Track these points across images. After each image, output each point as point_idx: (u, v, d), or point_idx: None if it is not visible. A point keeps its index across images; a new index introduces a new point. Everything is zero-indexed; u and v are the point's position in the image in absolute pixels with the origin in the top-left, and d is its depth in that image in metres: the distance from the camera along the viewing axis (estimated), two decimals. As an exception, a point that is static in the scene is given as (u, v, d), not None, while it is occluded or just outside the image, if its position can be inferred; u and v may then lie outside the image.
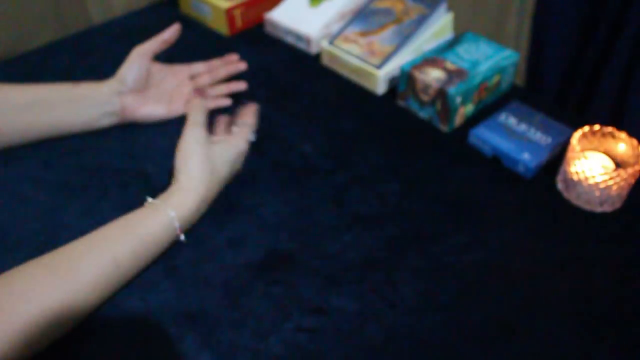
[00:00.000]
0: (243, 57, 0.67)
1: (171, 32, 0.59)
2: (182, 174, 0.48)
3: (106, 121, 0.59)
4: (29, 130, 0.56)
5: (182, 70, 0.63)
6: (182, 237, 0.47)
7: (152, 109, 0.60)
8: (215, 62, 0.65)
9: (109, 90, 0.57)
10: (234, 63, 0.65)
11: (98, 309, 0.43)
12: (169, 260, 0.48)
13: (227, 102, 0.64)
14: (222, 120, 0.59)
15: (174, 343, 0.42)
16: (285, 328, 0.43)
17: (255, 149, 0.60)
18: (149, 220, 0.45)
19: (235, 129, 0.55)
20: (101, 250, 0.42)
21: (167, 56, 0.65)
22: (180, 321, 0.43)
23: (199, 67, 0.64)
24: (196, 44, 0.76)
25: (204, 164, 0.48)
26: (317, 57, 0.74)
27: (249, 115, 0.57)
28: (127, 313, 0.44)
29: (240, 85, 0.65)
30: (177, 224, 0.46)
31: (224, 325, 0.43)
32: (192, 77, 0.64)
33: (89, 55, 0.74)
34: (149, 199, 0.47)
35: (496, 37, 0.86)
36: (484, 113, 0.63)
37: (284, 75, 0.71)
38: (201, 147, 0.49)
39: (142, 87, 0.59)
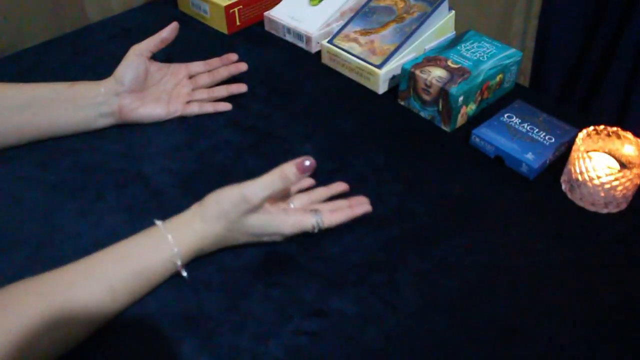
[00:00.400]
0: (242, 56, 0.66)
1: (169, 31, 0.59)
2: (207, 211, 0.44)
3: (103, 121, 0.58)
4: (25, 130, 0.55)
5: (181, 70, 0.63)
6: (185, 273, 0.45)
7: (150, 109, 0.59)
8: (215, 61, 0.64)
9: (107, 90, 0.56)
10: (233, 63, 0.64)
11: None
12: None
13: (227, 107, 0.63)
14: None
15: (173, 346, 0.42)
16: (285, 331, 0.43)
17: (255, 149, 0.59)
18: (151, 255, 0.43)
19: (315, 206, 0.49)
20: (98, 280, 0.41)
21: (166, 55, 0.64)
22: (179, 324, 0.43)
23: (197, 66, 0.64)
24: (195, 43, 0.75)
25: (230, 219, 0.44)
26: (317, 56, 0.73)
27: (326, 213, 0.48)
28: (126, 316, 0.43)
29: (241, 88, 0.64)
30: (179, 262, 0.44)
31: (223, 328, 0.43)
32: (191, 77, 0.63)
33: (86, 54, 0.73)
34: (158, 222, 0.44)
35: (501, 36, 0.85)
36: (486, 112, 0.63)
37: (283, 74, 0.70)
38: (246, 203, 0.43)
39: (140, 87, 0.58)
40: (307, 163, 0.44)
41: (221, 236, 0.45)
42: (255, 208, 0.44)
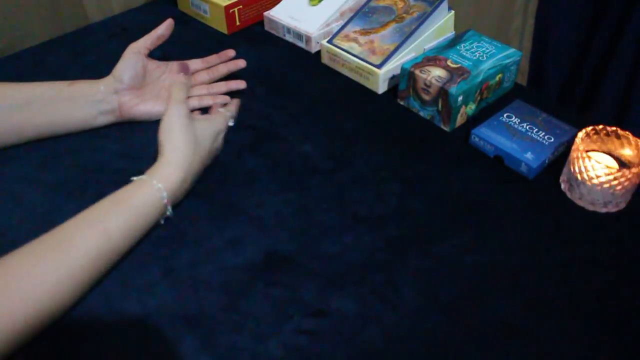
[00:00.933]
0: (242, 56, 0.66)
1: (165, 27, 0.59)
2: (166, 148, 0.49)
3: (103, 120, 0.58)
4: (25, 129, 0.55)
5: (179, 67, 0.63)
6: (170, 210, 0.48)
7: (150, 106, 0.59)
8: (212, 58, 0.65)
9: (106, 88, 0.57)
10: (232, 60, 0.64)
11: (95, 311, 0.43)
12: (167, 262, 0.47)
13: (225, 99, 0.63)
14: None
15: (173, 346, 0.42)
16: (285, 330, 0.43)
17: (255, 149, 0.59)
18: (137, 193, 0.46)
19: (218, 110, 0.58)
20: (91, 224, 0.43)
21: (165, 55, 0.65)
22: (179, 323, 0.43)
23: (195, 63, 0.64)
24: (194, 42, 0.75)
25: (187, 138, 0.49)
26: (316, 55, 0.73)
27: (232, 104, 0.60)
28: (125, 315, 0.43)
29: (240, 84, 0.64)
30: (164, 194, 0.47)
31: (223, 327, 0.43)
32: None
33: (86, 53, 0.73)
34: (134, 177, 0.48)
35: (500, 35, 0.85)
36: (486, 112, 0.63)
37: (283, 74, 0.70)
38: (183, 122, 0.50)
39: (139, 84, 0.59)
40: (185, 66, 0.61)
41: (191, 154, 0.49)
42: (188, 114, 0.51)
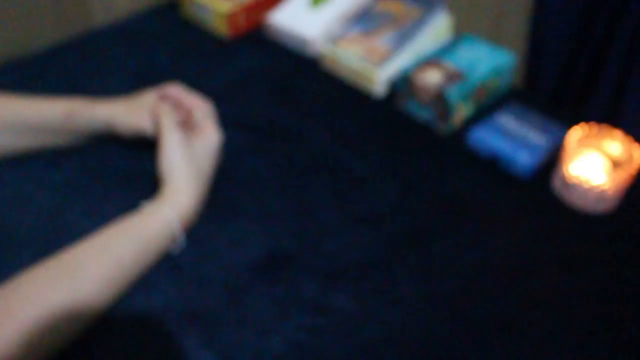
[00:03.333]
0: (244, 60, 0.67)
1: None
2: (171, 179, 0.48)
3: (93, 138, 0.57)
4: (20, 148, 0.55)
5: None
6: (183, 237, 0.48)
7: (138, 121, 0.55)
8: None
9: (105, 118, 0.54)
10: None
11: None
12: (171, 260, 0.48)
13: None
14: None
15: (176, 342, 0.42)
16: (286, 327, 0.44)
17: (257, 151, 0.60)
18: (150, 221, 0.46)
19: (201, 123, 0.52)
20: (105, 252, 0.43)
21: (169, 60, 0.65)
22: (183, 320, 0.44)
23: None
24: (197, 48, 0.76)
25: (190, 167, 0.49)
26: (317, 59, 0.74)
27: (199, 106, 0.53)
28: (130, 312, 0.44)
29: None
30: (177, 225, 0.47)
31: (225, 324, 0.44)
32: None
33: (91, 58, 0.74)
34: (145, 203, 0.47)
35: (494, 37, 0.86)
36: (482, 114, 0.64)
37: (284, 77, 0.71)
38: (183, 150, 0.49)
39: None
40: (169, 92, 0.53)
41: (197, 181, 0.49)
42: (183, 140, 0.50)
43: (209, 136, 0.52)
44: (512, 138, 0.58)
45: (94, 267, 0.42)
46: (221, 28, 0.78)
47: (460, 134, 0.61)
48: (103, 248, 0.43)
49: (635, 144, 0.52)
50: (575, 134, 0.53)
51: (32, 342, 0.37)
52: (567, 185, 0.53)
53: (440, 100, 0.60)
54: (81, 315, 0.41)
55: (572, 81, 0.85)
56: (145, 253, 0.45)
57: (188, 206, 0.48)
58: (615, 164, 0.53)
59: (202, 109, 0.53)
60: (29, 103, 0.54)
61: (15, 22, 0.74)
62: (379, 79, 0.66)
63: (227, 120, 0.64)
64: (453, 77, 0.62)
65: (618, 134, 0.53)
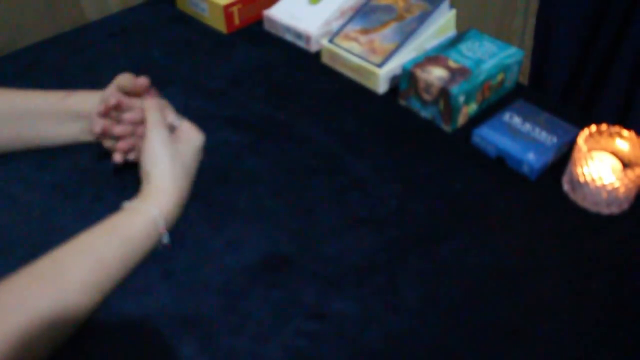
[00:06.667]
0: (241, 55, 0.66)
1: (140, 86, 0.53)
2: (154, 176, 0.47)
3: (89, 137, 0.55)
4: (12, 142, 0.54)
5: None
6: (166, 237, 0.47)
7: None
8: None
9: (93, 105, 0.53)
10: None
11: (94, 314, 0.43)
12: (165, 264, 0.47)
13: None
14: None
15: (172, 348, 0.41)
16: (284, 332, 0.43)
17: (254, 150, 0.59)
18: (133, 221, 0.45)
19: (178, 123, 0.52)
20: (88, 254, 0.42)
21: (164, 54, 0.64)
22: (178, 326, 0.43)
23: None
24: (193, 42, 0.75)
25: (173, 163, 0.48)
26: (317, 55, 0.73)
27: (165, 108, 0.52)
28: (124, 318, 0.43)
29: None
30: (161, 223, 0.46)
31: (222, 329, 0.43)
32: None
33: (84, 52, 0.73)
34: (126, 202, 0.47)
35: (501, 34, 0.85)
36: (487, 112, 0.62)
37: (283, 73, 0.70)
38: (167, 148, 0.48)
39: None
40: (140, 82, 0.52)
41: (181, 179, 0.48)
42: (169, 138, 0.49)
43: (191, 137, 0.51)
44: (519, 137, 0.56)
45: (78, 271, 0.41)
46: (218, 22, 0.77)
47: (465, 132, 0.60)
48: (86, 250, 0.43)
49: (646, 144, 0.51)
50: (585, 133, 0.52)
51: (19, 351, 0.36)
52: (576, 185, 0.52)
53: (444, 97, 0.59)
54: (67, 320, 0.40)
55: (580, 80, 0.84)
56: (129, 253, 0.44)
57: (171, 204, 0.47)
58: (626, 165, 0.52)
59: (153, 107, 0.51)
60: (24, 91, 0.54)
61: (7, 16, 0.73)
62: (380, 75, 0.65)
63: (223, 119, 0.63)
64: (458, 73, 0.60)
65: (629, 133, 0.52)
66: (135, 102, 0.53)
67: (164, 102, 0.53)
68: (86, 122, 0.54)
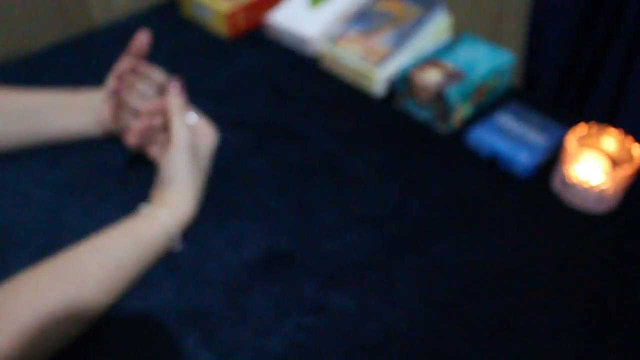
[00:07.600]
0: (244, 59, 0.67)
1: (140, 45, 0.53)
2: (175, 182, 0.48)
3: (99, 130, 0.56)
4: (24, 138, 0.55)
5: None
6: (180, 245, 0.48)
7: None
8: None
9: (100, 97, 0.55)
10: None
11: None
12: (170, 260, 0.48)
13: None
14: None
15: (176, 342, 0.42)
16: (285, 326, 0.44)
17: (256, 151, 0.60)
18: (150, 225, 0.46)
19: (197, 123, 0.52)
20: (104, 255, 0.43)
21: (168, 60, 0.65)
22: (182, 320, 0.44)
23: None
24: (197, 47, 0.76)
25: (193, 169, 0.49)
26: (317, 59, 0.74)
27: (185, 106, 0.51)
28: (129, 312, 0.44)
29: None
30: (177, 232, 0.47)
31: (225, 324, 0.44)
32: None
33: (92, 58, 0.74)
34: (145, 206, 0.48)
35: (494, 37, 0.86)
36: (482, 114, 0.64)
37: (284, 77, 0.71)
38: (191, 156, 0.49)
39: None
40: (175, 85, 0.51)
41: (199, 184, 0.50)
42: (193, 140, 0.50)
43: (210, 136, 0.52)
44: (512, 138, 0.58)
45: (94, 270, 0.42)
46: (221, 28, 0.78)
47: (460, 134, 0.61)
48: (103, 251, 0.43)
49: (635, 144, 0.52)
50: (576, 134, 0.53)
51: (31, 345, 0.37)
52: (567, 185, 0.53)
53: (440, 100, 0.60)
54: (80, 318, 0.41)
55: (571, 81, 0.85)
56: (144, 256, 0.45)
57: (188, 210, 0.48)
58: (615, 164, 0.53)
59: (178, 108, 0.50)
60: (36, 89, 0.55)
61: (15, 21, 0.74)
62: (378, 78, 0.66)
63: (226, 120, 0.64)
64: (453, 76, 0.62)
65: (617, 133, 0.53)
66: (150, 71, 0.53)
67: (183, 100, 0.52)
68: (96, 113, 0.55)
